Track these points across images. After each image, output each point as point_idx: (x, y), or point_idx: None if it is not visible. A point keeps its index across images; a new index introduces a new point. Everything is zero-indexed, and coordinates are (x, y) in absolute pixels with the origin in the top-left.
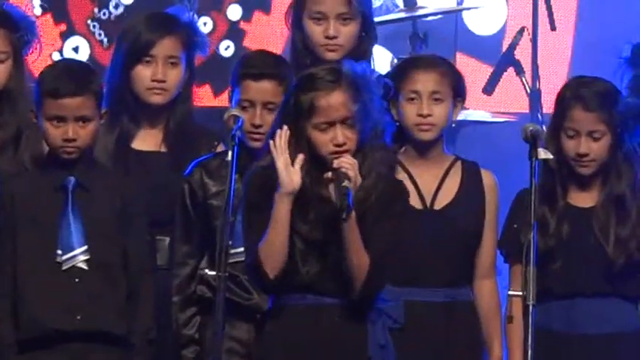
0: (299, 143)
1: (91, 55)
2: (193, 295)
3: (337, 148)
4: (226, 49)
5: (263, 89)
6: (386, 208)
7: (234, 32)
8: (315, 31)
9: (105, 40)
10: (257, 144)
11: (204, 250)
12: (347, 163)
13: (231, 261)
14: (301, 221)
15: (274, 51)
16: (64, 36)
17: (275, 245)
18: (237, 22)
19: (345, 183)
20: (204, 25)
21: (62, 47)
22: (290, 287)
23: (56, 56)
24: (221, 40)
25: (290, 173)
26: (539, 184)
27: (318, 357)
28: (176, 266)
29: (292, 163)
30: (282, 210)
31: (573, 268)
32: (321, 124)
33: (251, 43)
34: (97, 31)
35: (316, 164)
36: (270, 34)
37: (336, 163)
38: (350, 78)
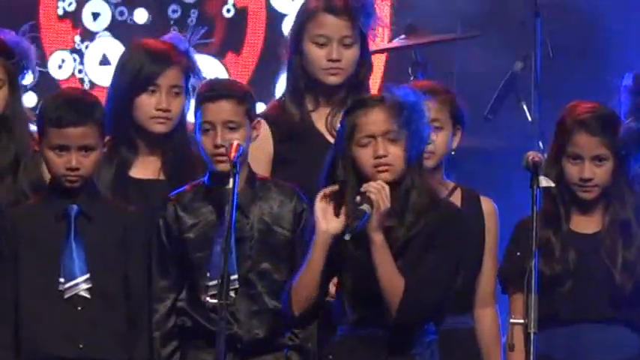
0: (346, 165)
1: None
2: (174, 329)
3: (379, 161)
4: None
5: (221, 109)
6: (438, 233)
7: None
8: (318, 54)
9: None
10: (222, 166)
11: (182, 284)
12: (374, 187)
13: (211, 293)
14: (350, 258)
15: None
16: None
17: (304, 286)
18: None
19: (364, 206)
20: None
21: None
22: (343, 320)
23: None
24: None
25: (327, 219)
26: (541, 210)
27: None
28: (155, 302)
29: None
30: (315, 256)
31: (580, 294)
32: (362, 138)
33: None
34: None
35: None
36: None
37: (363, 187)
38: (393, 98)
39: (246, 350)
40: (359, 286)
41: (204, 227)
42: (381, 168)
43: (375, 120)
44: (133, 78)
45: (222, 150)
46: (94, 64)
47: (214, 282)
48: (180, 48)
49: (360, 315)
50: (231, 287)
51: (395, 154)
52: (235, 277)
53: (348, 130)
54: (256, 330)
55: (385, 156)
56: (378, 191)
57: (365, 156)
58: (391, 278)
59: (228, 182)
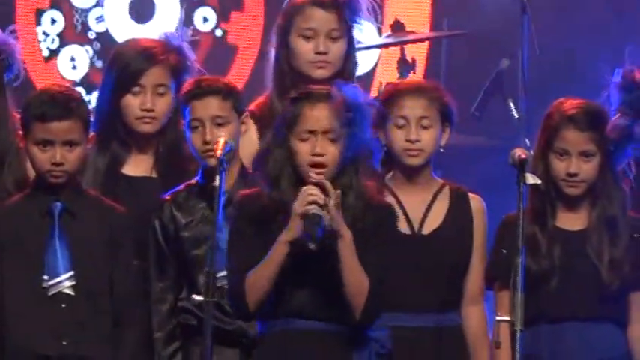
0: (283, 154)
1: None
2: (175, 330)
3: (315, 159)
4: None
5: (208, 105)
6: (376, 233)
7: None
8: (305, 48)
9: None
10: (213, 161)
11: (181, 283)
12: (312, 192)
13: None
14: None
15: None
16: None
17: (263, 281)
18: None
19: (315, 210)
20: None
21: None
22: (279, 312)
23: None
24: None
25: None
26: (528, 206)
27: None
28: (155, 303)
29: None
30: (281, 254)
31: (566, 292)
32: (302, 132)
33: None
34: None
35: (304, 184)
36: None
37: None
38: (340, 96)
39: (252, 345)
40: (310, 277)
41: (199, 225)
42: (316, 170)
43: (319, 116)
44: (118, 77)
45: (212, 146)
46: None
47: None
48: (170, 45)
49: (300, 307)
50: (219, 284)
51: (332, 154)
52: None
53: (290, 120)
54: None
55: (323, 155)
56: (319, 190)
57: (302, 151)
58: (358, 276)
59: (214, 175)
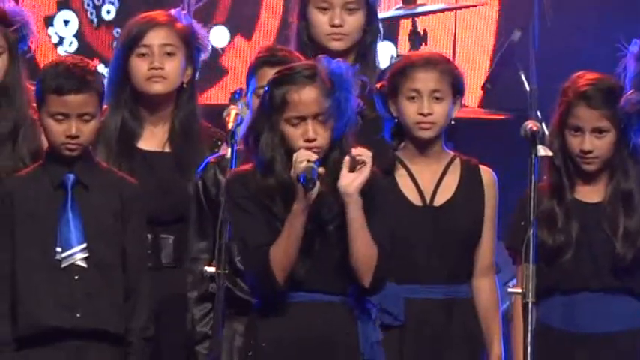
0: (274, 138)
1: (79, 31)
2: (208, 291)
3: (308, 144)
4: None
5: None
6: (369, 202)
7: None
8: (321, 20)
9: (95, 20)
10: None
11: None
12: (300, 153)
13: (239, 257)
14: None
15: None
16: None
17: (289, 253)
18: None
19: (304, 164)
20: None
21: (54, 15)
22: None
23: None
24: None
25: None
26: (546, 181)
27: (310, 354)
28: (191, 262)
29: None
30: (300, 224)
31: (581, 263)
32: (292, 118)
33: None
34: (89, 9)
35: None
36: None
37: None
38: (325, 75)
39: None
40: (311, 249)
41: None
42: (311, 149)
43: (306, 100)
44: (124, 41)
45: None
46: None
47: None
48: (177, 16)
49: (302, 279)
50: None
51: (324, 135)
52: None
53: (278, 103)
54: None
55: (314, 139)
56: (305, 155)
57: (294, 135)
58: (368, 244)
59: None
